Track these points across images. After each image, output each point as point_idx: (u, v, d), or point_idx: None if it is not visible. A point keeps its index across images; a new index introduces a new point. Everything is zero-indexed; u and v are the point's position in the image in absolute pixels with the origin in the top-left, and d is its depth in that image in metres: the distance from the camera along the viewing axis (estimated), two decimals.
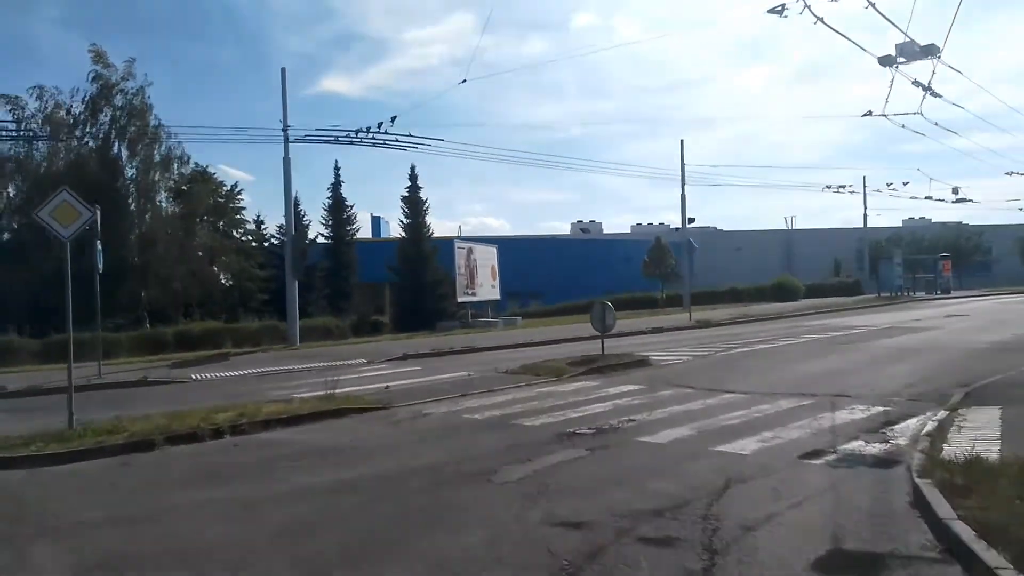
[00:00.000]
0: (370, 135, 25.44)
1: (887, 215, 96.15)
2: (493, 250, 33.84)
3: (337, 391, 12.17)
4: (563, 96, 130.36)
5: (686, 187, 37.93)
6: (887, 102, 20.59)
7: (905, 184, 40.14)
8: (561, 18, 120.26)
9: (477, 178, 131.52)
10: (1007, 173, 50.86)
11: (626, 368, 15.37)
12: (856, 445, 7.97)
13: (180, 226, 33.81)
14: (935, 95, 14.52)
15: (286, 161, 26.43)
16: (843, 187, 39.82)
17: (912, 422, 8.98)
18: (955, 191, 36.13)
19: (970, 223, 60.78)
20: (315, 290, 36.43)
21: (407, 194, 38.22)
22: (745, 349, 19.31)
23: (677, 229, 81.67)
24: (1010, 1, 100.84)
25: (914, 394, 11.23)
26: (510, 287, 48.26)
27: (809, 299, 42.65)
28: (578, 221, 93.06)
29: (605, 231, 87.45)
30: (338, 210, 39.84)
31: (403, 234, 37.83)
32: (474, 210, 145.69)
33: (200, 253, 34.47)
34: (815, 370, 14.86)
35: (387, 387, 13.87)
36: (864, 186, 50.40)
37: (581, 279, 51.49)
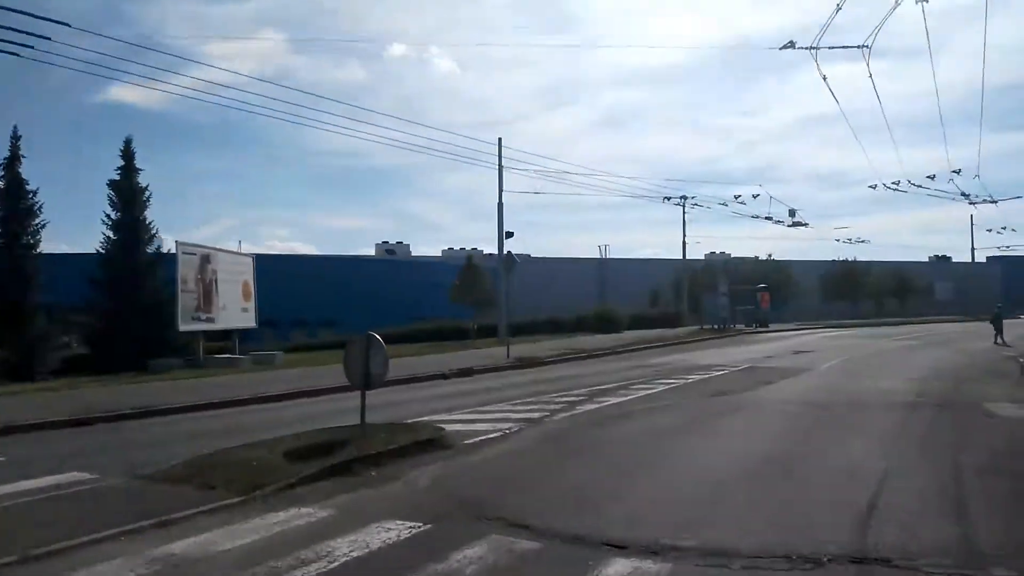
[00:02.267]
0: None
1: (692, 249, 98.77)
2: (248, 261, 25.20)
3: None
4: (379, 122, 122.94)
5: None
6: None
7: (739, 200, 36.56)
8: (376, 48, 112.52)
9: (285, 202, 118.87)
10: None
11: (398, 459, 8.12)
12: None
13: None
14: None
15: None
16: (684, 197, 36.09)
17: None
18: (792, 213, 33.46)
19: (775, 258, 61.30)
20: None
21: (118, 178, 26.65)
22: (593, 406, 12.86)
23: (491, 254, 77.21)
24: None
25: None
26: (288, 313, 39.37)
27: (633, 331, 38.33)
28: (383, 242, 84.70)
29: (414, 254, 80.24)
30: (14, 196, 25.24)
31: (110, 235, 26.47)
32: (279, 235, 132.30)
33: None
34: (750, 455, 8.62)
35: None
36: (684, 210, 47.98)
37: (383, 305, 43.68)
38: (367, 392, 8.96)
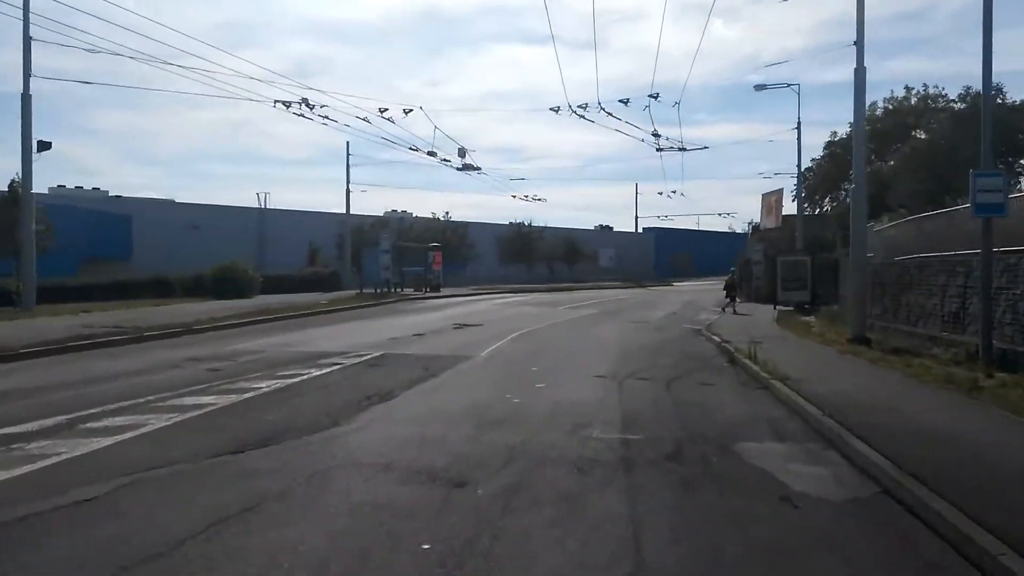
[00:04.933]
0: None
1: (369, 203, 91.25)
2: None
3: None
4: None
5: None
6: None
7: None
8: None
9: None
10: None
11: None
12: None
13: None
14: None
15: None
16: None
17: None
18: (462, 153, 27.47)
19: (454, 219, 56.62)
20: None
21: None
22: None
23: (118, 197, 61.37)
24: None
25: None
26: None
27: (272, 295, 29.64)
28: None
29: None
30: None
31: None
32: None
33: None
34: None
35: None
36: (348, 155, 40.28)
37: None
38: None
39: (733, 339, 15.69)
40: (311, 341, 15.28)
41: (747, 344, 14.17)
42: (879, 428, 7.06)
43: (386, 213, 62.20)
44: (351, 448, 6.47)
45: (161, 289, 29.37)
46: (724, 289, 26.40)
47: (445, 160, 27.39)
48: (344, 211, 42.73)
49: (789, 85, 32.20)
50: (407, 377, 10.49)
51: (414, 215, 57.17)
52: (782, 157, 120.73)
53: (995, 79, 39.64)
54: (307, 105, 20.27)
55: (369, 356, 12.77)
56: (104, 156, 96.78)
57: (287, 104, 19.89)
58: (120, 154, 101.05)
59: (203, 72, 19.48)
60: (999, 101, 33.98)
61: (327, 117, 21.11)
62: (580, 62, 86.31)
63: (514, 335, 17.06)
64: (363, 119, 22.31)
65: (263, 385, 9.66)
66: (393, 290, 33.59)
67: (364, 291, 32.63)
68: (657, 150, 24.35)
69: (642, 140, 40.69)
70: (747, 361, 12.25)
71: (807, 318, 23.21)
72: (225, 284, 28.38)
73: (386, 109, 22.25)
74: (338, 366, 11.56)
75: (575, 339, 16.95)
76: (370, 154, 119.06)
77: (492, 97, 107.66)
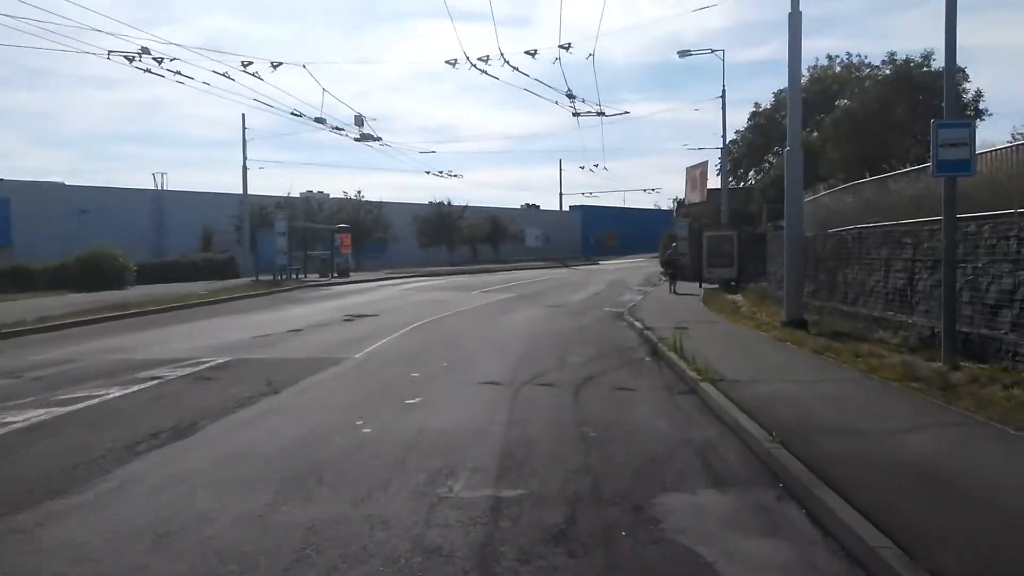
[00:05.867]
0: None
1: (283, 185, 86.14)
2: None
3: None
4: None
5: None
6: None
7: None
8: None
9: None
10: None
11: None
12: None
13: None
14: None
15: None
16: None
17: None
18: (359, 122, 24.51)
19: (367, 198, 53.20)
20: None
21: None
22: None
23: None
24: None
25: None
26: None
27: (154, 285, 26.25)
28: None
29: None
30: None
31: None
32: None
33: None
34: None
35: None
36: (244, 129, 36.65)
37: None
38: None
39: (656, 325, 13.73)
40: (152, 344, 12.46)
41: (672, 331, 12.22)
42: (853, 463, 5.03)
43: (302, 194, 58.16)
44: (25, 564, 3.92)
45: (19, 280, 25.60)
46: (663, 267, 24.48)
47: (337, 129, 24.38)
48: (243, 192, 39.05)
49: (713, 51, 30.52)
50: (238, 396, 7.98)
51: (329, 195, 53.42)
52: (707, 138, 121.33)
53: (926, 46, 39.08)
54: (152, 58, 17.05)
55: (209, 364, 10.14)
56: (6, 139, 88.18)
57: (129, 59, 16.69)
58: (24, 137, 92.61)
59: (114, 50, 16.11)
60: (925, 68, 33.32)
61: (179, 72, 17.91)
62: (512, 40, 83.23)
63: (409, 327, 14.66)
64: (223, 75, 19.08)
65: (18, 419, 6.97)
66: (294, 276, 30.53)
67: (261, 278, 29.48)
68: (574, 115, 22.11)
69: (556, 102, 38.58)
70: (672, 354, 10.23)
71: (734, 296, 21.67)
72: (91, 274, 24.75)
73: (251, 63, 19.21)
74: (155, 381, 8.91)
75: (479, 330, 14.67)
76: (288, 135, 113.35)
77: (421, 76, 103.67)
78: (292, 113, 25.02)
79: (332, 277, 33.47)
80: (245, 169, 37.21)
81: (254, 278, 29.73)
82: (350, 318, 16.70)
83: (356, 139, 25.06)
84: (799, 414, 6.54)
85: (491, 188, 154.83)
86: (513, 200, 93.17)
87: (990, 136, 38.34)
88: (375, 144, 25.85)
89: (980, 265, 9.63)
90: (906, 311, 11.94)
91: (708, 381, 8.16)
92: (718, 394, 7.50)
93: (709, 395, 7.60)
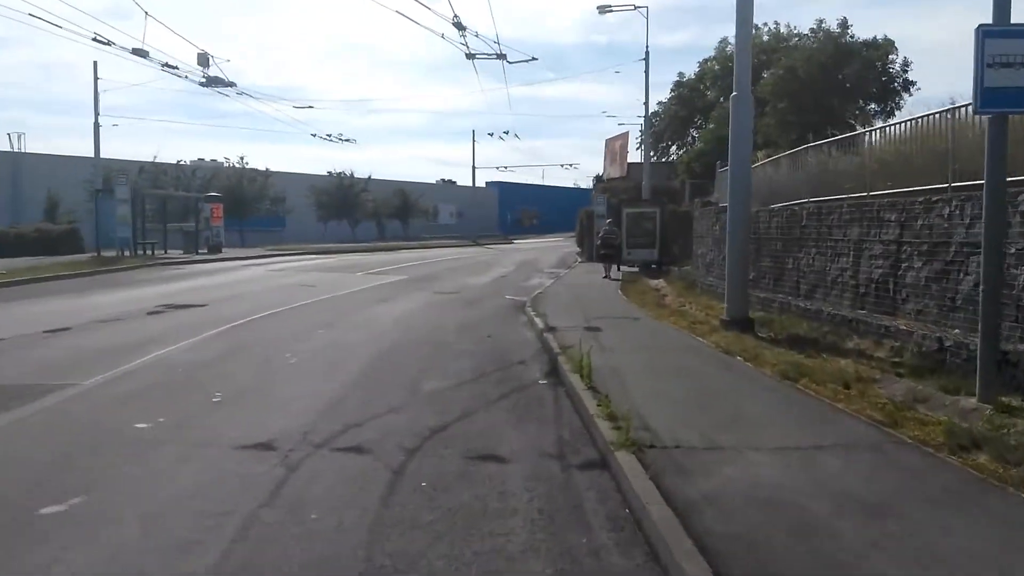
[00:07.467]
0: None
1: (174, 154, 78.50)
2: None
3: None
4: None
5: None
6: None
7: None
8: None
9: None
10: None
11: None
12: None
13: None
14: None
15: None
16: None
17: None
18: (203, 61, 19.87)
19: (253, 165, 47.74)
20: None
21: None
22: None
23: None
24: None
25: None
26: None
27: None
28: None
29: None
30: None
31: None
32: None
33: None
34: None
35: None
36: (96, 78, 31.23)
37: None
38: None
39: (561, 324, 10.31)
40: None
41: (580, 334, 8.84)
42: None
43: (192, 163, 51.86)
44: None
45: None
46: (603, 250, 20.95)
47: (168, 66, 19.50)
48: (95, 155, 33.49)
49: (636, 7, 27.31)
50: None
51: (209, 161, 47.65)
52: (629, 118, 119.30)
53: (842, 13, 37.72)
54: None
55: None
56: None
57: None
58: None
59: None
60: (850, 37, 31.11)
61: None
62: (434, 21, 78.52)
63: (229, 325, 10.70)
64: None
65: None
66: (146, 252, 25.63)
67: (104, 254, 24.48)
68: (467, 56, 18.08)
69: (443, 35, 34.77)
70: (575, 378, 6.80)
71: (657, 282, 18.61)
72: None
73: None
74: None
75: (327, 329, 10.86)
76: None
77: (341, 49, 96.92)
78: (133, 50, 20.21)
79: (199, 254, 28.67)
80: (97, 126, 31.84)
81: (95, 253, 24.70)
82: (160, 310, 12.54)
83: (202, 83, 20.44)
84: (818, 561, 3.13)
85: (407, 164, 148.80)
86: (431, 177, 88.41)
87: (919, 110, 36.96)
88: (229, 91, 21.28)
89: (1014, 252, 6.59)
90: (886, 311, 8.90)
91: (629, 447, 4.71)
92: (649, 488, 4.03)
93: (631, 488, 4.11)
